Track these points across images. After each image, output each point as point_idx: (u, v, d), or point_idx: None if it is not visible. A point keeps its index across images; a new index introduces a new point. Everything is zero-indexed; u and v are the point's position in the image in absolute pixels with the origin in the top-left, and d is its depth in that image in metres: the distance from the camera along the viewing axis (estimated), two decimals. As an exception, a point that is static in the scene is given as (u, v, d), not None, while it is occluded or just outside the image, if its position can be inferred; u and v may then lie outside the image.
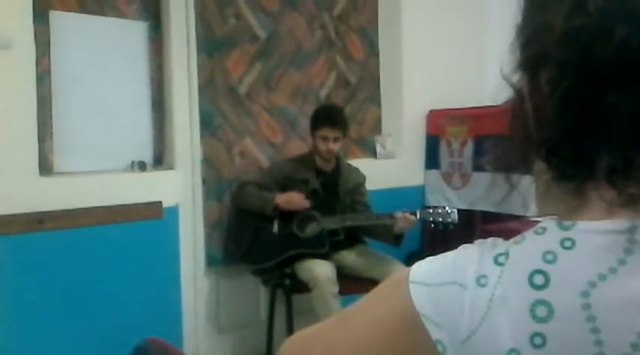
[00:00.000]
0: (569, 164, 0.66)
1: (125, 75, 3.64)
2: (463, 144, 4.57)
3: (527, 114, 0.69)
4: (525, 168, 0.73)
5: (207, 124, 3.80)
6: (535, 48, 0.68)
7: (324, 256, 3.56)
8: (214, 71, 3.84)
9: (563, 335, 0.61)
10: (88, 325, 3.24)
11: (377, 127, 4.83)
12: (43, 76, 3.29)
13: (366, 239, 3.86)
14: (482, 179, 4.34)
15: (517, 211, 3.78)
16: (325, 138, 3.67)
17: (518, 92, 0.71)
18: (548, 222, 0.67)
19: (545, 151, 0.68)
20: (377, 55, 4.80)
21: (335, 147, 3.69)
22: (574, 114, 0.64)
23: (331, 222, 3.63)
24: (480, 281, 0.66)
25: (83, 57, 3.47)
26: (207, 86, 3.80)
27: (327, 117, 3.72)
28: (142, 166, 3.60)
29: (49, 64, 3.33)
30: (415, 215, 3.49)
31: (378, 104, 4.83)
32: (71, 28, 3.42)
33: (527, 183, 0.74)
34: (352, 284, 3.40)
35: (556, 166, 0.68)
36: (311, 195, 3.70)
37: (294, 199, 3.62)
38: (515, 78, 0.71)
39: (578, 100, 0.64)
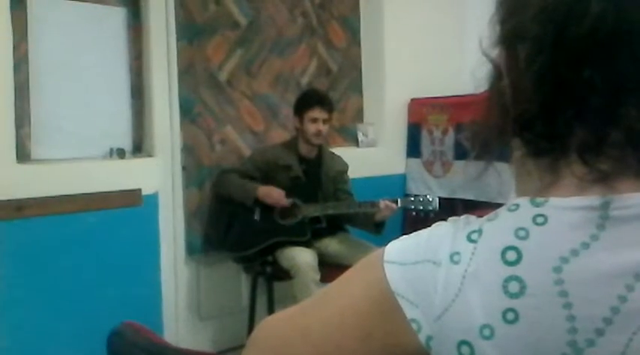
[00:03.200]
0: (543, 139, 0.67)
1: (104, 61, 3.60)
2: (444, 132, 4.58)
3: (504, 90, 0.70)
4: (502, 144, 0.73)
5: (187, 111, 3.77)
6: (513, 23, 0.68)
7: (306, 244, 3.57)
8: (194, 58, 3.81)
9: (536, 311, 0.61)
10: (67, 313, 3.22)
11: (359, 116, 4.83)
12: (21, 63, 3.24)
13: (348, 227, 3.86)
14: (463, 167, 4.36)
15: (497, 199, 3.81)
16: (315, 120, 3.67)
17: (496, 67, 0.72)
18: (522, 199, 0.67)
19: (519, 126, 0.68)
20: (358, 43, 4.79)
21: (324, 128, 3.70)
22: (549, 89, 0.65)
23: (313, 210, 3.62)
24: (454, 258, 0.66)
25: (61, 43, 3.43)
26: (187, 73, 3.78)
27: (318, 98, 3.76)
28: (121, 153, 3.57)
29: (27, 50, 3.29)
30: (396, 203, 3.51)
31: (360, 92, 4.83)
32: (49, 14, 3.38)
33: (505, 172, 0.75)
34: (334, 271, 3.38)
35: (530, 142, 0.68)
36: (293, 181, 3.70)
37: (274, 194, 3.59)
38: (494, 53, 0.72)
39: (554, 75, 0.64)
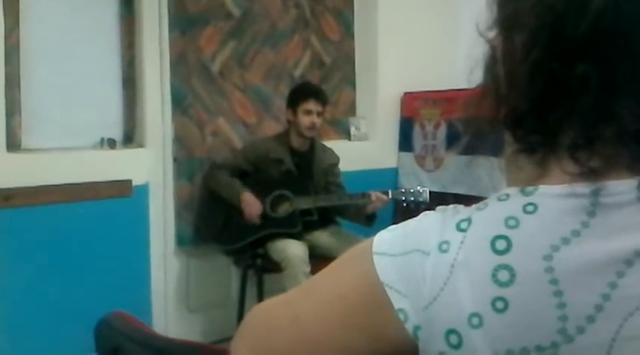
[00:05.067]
0: (534, 135, 0.66)
1: (96, 51, 3.58)
2: (437, 126, 4.57)
3: (499, 77, 0.69)
4: (494, 133, 0.72)
5: (179, 102, 3.75)
6: (511, 8, 0.67)
7: (297, 236, 3.56)
8: (187, 49, 3.79)
9: (526, 299, 0.61)
10: (55, 303, 3.21)
11: (351, 109, 4.82)
12: (12, 51, 3.21)
13: (339, 219, 3.85)
14: (455, 162, 4.36)
15: (489, 194, 3.81)
16: (309, 112, 3.66)
17: (492, 50, 0.71)
18: (512, 189, 0.67)
19: (511, 121, 0.68)
20: (352, 36, 4.78)
21: (317, 121, 3.69)
22: (542, 84, 0.64)
23: (304, 202, 3.62)
24: (442, 247, 0.66)
25: (53, 32, 3.41)
26: (180, 64, 3.75)
27: (312, 90, 3.77)
28: (111, 144, 3.55)
29: (18, 39, 3.26)
30: (387, 194, 3.52)
31: (353, 86, 4.81)
32: (41, 3, 3.35)
33: (497, 167, 0.74)
34: (324, 264, 3.33)
35: (521, 138, 0.68)
36: (285, 174, 3.69)
37: (252, 209, 3.55)
38: (491, 34, 0.71)
39: (548, 71, 0.63)
